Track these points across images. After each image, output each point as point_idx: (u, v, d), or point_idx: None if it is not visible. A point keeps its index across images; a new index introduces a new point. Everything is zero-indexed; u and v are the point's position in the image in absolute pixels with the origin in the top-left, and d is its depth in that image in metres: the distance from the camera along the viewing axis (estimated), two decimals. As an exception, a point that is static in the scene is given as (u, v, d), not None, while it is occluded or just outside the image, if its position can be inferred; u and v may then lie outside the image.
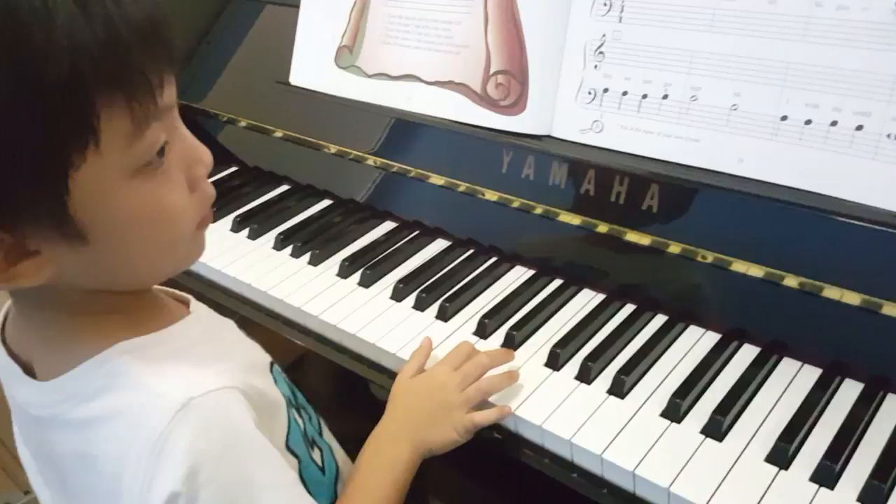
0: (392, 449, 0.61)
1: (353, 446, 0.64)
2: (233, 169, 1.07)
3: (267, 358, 0.56)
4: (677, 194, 0.69)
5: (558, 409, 0.63)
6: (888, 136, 0.58)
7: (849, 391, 0.62)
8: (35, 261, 0.42)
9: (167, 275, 0.50)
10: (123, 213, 0.43)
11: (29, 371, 0.50)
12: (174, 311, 0.52)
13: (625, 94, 0.69)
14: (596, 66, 0.70)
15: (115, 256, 0.44)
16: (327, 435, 0.64)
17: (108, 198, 0.41)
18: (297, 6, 0.94)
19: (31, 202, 0.39)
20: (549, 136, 0.74)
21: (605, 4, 0.69)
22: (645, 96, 0.68)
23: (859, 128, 0.59)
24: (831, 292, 0.63)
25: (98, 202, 0.41)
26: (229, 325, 0.56)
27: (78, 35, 0.37)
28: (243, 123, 1.06)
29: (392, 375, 0.71)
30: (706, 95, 0.64)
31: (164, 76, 0.42)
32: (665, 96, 0.66)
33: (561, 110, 0.73)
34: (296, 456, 0.54)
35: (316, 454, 0.58)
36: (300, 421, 0.56)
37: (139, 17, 0.40)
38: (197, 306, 0.54)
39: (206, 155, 0.49)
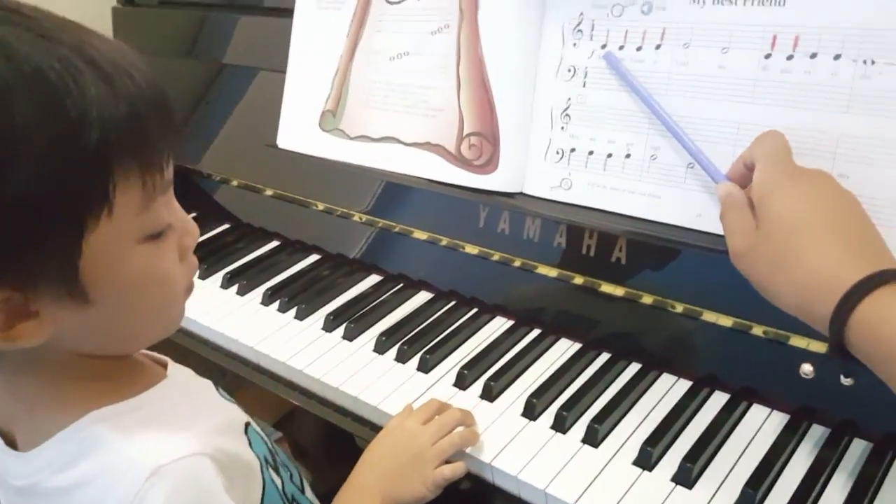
0: (361, 503, 0.62)
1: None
2: (225, 226, 1.11)
3: (243, 419, 0.57)
4: (643, 248, 0.72)
5: (534, 458, 0.65)
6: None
7: (816, 436, 0.64)
8: (35, 322, 0.44)
9: (154, 340, 0.53)
10: (126, 277, 0.45)
11: (10, 442, 0.51)
12: (152, 375, 0.54)
13: (591, 153, 0.72)
14: (563, 128, 0.74)
15: (113, 319, 0.47)
16: (309, 493, 0.64)
17: (114, 262, 0.44)
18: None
19: (45, 262, 0.42)
20: (521, 194, 0.77)
21: (569, 70, 0.73)
22: (610, 155, 0.71)
23: (808, 184, 0.62)
24: (798, 341, 0.65)
25: (104, 266, 0.44)
26: (207, 386, 0.57)
27: (105, 109, 0.41)
28: (235, 183, 1.10)
29: (374, 428, 0.73)
30: (664, 155, 0.67)
31: (169, 153, 0.46)
32: (628, 155, 0.70)
33: (531, 169, 0.76)
34: None
35: None
36: (278, 480, 0.57)
37: (154, 97, 0.44)
38: (174, 370, 0.56)
39: (195, 228, 0.52)
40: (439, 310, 0.86)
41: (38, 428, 0.48)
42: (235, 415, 0.56)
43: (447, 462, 0.65)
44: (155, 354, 0.57)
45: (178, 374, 0.56)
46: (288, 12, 0.97)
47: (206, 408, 0.55)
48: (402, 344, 0.80)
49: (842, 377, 0.53)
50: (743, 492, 0.58)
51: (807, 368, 0.54)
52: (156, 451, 0.46)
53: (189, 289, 0.53)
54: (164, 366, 0.56)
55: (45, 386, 0.49)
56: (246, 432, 0.56)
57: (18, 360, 0.47)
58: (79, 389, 0.49)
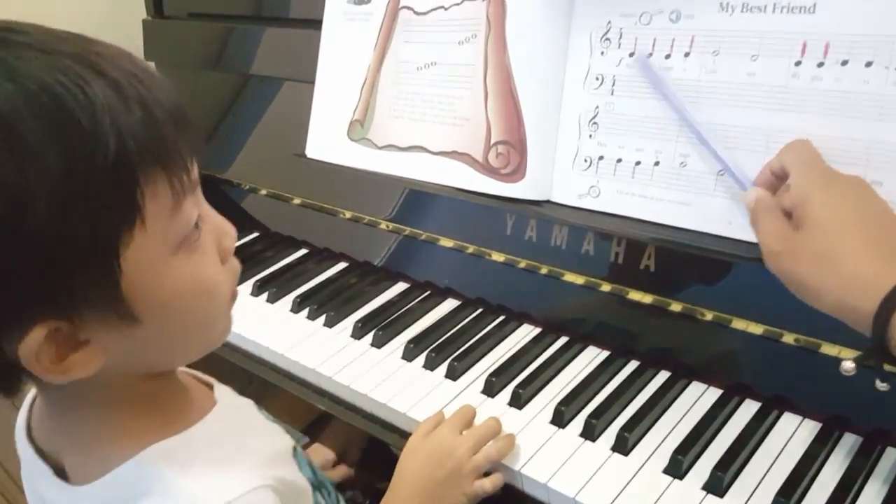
0: None
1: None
2: (254, 234, 1.12)
3: (290, 443, 0.55)
4: (672, 255, 0.72)
5: (563, 466, 0.65)
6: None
7: (848, 445, 0.63)
8: (86, 351, 0.42)
9: (202, 353, 0.51)
10: (169, 289, 0.44)
11: (59, 471, 0.49)
12: (200, 401, 0.52)
13: (619, 161, 0.72)
14: (591, 136, 0.74)
15: (161, 335, 0.45)
16: None
17: (155, 275, 0.43)
18: (314, 82, 1.00)
19: (86, 285, 0.40)
20: (548, 202, 0.78)
21: (597, 78, 0.74)
22: (638, 163, 0.71)
23: (840, 191, 0.62)
24: (829, 349, 0.64)
25: (146, 280, 0.42)
26: (250, 407, 0.56)
27: (118, 116, 0.39)
28: (264, 192, 1.12)
29: (403, 435, 0.73)
30: (694, 162, 0.67)
31: (192, 153, 0.45)
32: (657, 163, 0.70)
33: (559, 177, 0.77)
34: None
35: None
36: (322, 502, 0.57)
37: (166, 99, 0.43)
38: (221, 393, 0.54)
39: (232, 228, 0.50)
40: (466, 317, 0.86)
41: (89, 463, 0.47)
42: (283, 439, 0.56)
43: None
44: (200, 374, 0.56)
45: (226, 398, 0.54)
46: (314, 23, 0.98)
47: (258, 435, 0.54)
48: (430, 351, 0.80)
49: (878, 382, 0.53)
50: (774, 501, 0.58)
51: (847, 366, 0.54)
52: (221, 488, 0.45)
53: (233, 296, 0.51)
54: (210, 386, 0.55)
55: (93, 419, 0.48)
56: (294, 456, 0.55)
57: (64, 391, 0.45)
58: (129, 421, 0.48)
